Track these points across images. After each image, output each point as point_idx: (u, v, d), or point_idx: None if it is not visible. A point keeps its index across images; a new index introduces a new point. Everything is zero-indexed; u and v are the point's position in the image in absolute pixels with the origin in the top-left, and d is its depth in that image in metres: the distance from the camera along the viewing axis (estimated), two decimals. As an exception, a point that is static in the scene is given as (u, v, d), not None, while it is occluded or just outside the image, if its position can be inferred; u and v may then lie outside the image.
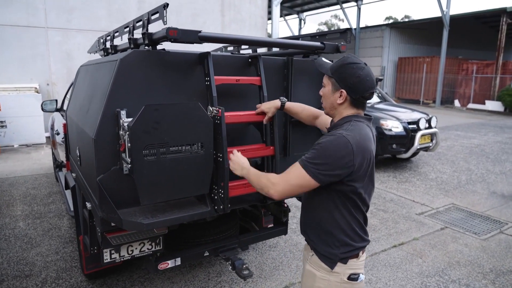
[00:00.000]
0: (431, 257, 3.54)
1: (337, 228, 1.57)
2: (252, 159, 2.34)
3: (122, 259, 2.17)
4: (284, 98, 2.13)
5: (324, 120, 2.01)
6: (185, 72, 2.00)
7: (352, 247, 1.60)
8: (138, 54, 1.84)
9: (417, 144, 6.25)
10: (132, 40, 2.10)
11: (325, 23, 49.31)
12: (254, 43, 2.05)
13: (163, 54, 1.91)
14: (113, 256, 2.13)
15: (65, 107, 4.50)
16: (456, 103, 18.79)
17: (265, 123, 2.17)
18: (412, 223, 4.34)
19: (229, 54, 2.31)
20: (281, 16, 19.73)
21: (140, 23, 2.02)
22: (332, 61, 1.82)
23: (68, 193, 3.76)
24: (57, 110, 4.73)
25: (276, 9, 12.23)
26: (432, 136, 6.58)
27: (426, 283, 3.10)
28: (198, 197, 2.07)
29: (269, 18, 13.37)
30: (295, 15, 27.05)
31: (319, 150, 1.46)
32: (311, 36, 2.56)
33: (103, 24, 8.97)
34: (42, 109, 4.65)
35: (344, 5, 23.25)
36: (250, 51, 3.34)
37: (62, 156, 4.11)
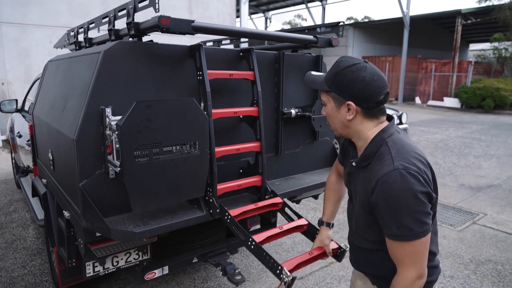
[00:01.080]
0: (414, 250, 3.59)
1: None
2: (243, 159, 2.24)
3: (106, 272, 1.98)
4: (320, 220, 1.71)
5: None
6: (174, 66, 1.85)
7: (428, 284, 1.33)
8: (123, 45, 1.67)
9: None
10: (113, 31, 1.92)
11: (289, 23, 50.12)
12: (249, 35, 1.94)
13: (150, 46, 1.75)
14: (96, 269, 1.94)
15: (26, 107, 4.15)
16: (417, 100, 19.62)
17: (333, 255, 1.74)
18: (391, 218, 4.40)
19: (219, 47, 2.18)
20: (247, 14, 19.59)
21: (123, 12, 1.84)
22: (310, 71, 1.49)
23: (35, 201, 3.46)
24: (17, 110, 4.35)
25: (245, 7, 12.13)
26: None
27: (413, 277, 3.12)
28: (190, 200, 1.93)
29: (237, 16, 13.24)
30: (261, 14, 27.10)
31: (398, 211, 1.15)
32: (300, 31, 2.48)
33: (64, 20, 8.43)
34: (1, 110, 4.25)
35: (309, 5, 23.58)
36: (231, 46, 3.22)
37: (25, 160, 3.77)
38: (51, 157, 2.20)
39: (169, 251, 2.35)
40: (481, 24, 18.73)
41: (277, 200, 2.14)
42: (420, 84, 19.83)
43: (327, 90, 1.30)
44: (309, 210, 4.59)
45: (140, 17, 1.58)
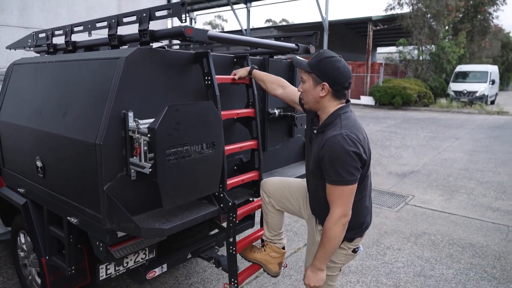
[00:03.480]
0: (365, 231, 4.11)
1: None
2: (237, 156, 2.42)
3: (117, 273, 2.01)
4: (256, 67, 2.23)
5: (291, 94, 2.18)
6: (181, 71, 1.96)
7: (359, 229, 1.84)
8: (142, 52, 1.74)
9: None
10: (116, 37, 1.96)
11: (210, 23, 50.71)
12: (252, 44, 2.17)
13: (163, 52, 1.85)
14: (109, 271, 1.96)
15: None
16: (337, 98, 21.29)
17: (233, 79, 2.17)
18: (340, 205, 4.92)
19: (216, 54, 2.32)
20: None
21: (130, 18, 1.89)
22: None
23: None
24: None
25: (176, 7, 12.00)
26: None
27: (369, 252, 3.61)
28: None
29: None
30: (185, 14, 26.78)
31: (336, 163, 1.59)
32: (276, 38, 2.73)
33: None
34: None
35: (234, 7, 24.00)
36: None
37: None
38: (41, 164, 2.12)
39: (167, 249, 2.42)
40: (387, 30, 21.08)
41: None
42: (339, 84, 21.53)
43: (310, 71, 1.72)
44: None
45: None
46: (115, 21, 1.96)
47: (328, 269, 1.86)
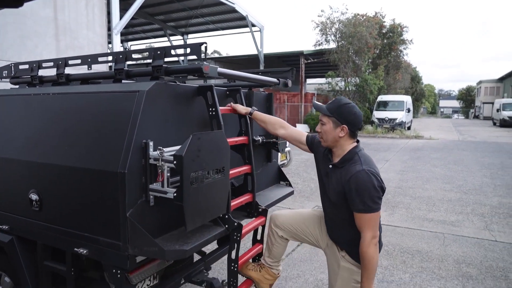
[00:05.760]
0: (327, 247, 4.44)
1: None
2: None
3: (126, 302, 2.01)
4: (256, 108, 2.47)
5: (295, 134, 2.47)
6: (188, 103, 2.12)
7: (381, 246, 2.09)
8: (159, 86, 1.89)
9: (278, 161, 7.39)
10: (124, 71, 2.08)
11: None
12: (242, 78, 2.41)
13: (175, 86, 2.01)
14: (119, 300, 1.96)
15: None
16: (275, 126, 22.28)
17: (231, 108, 2.40)
18: (300, 226, 5.23)
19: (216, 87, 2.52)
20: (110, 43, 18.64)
21: (139, 55, 2.03)
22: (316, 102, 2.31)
23: None
24: None
25: (117, 38, 11.88)
26: (287, 154, 7.91)
27: (336, 266, 3.92)
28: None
29: (109, 42, 12.74)
30: (120, 44, 26.36)
31: (364, 195, 1.88)
32: (255, 73, 3.02)
33: None
34: None
35: (172, 38, 24.29)
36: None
37: None
38: (37, 197, 2.08)
39: (164, 275, 2.45)
40: (317, 63, 22.94)
41: (263, 218, 2.58)
42: (276, 113, 22.65)
43: (330, 115, 2.04)
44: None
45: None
46: (123, 56, 2.07)
47: None
